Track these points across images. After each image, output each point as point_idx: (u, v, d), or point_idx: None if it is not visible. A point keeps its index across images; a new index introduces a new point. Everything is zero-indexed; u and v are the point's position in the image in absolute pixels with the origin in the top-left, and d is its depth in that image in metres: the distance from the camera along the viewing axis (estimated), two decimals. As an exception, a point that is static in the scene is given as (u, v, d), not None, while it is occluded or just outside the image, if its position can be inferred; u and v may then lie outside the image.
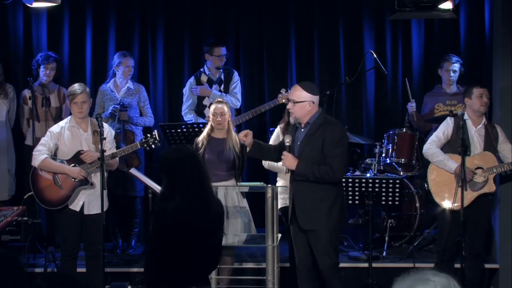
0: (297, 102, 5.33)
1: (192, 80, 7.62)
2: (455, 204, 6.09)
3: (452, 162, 6.17)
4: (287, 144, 5.33)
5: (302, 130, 5.41)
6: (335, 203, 5.36)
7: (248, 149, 5.55)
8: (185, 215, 4.04)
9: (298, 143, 5.38)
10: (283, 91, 7.10)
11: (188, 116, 7.57)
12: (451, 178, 6.20)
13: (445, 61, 7.39)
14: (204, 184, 4.12)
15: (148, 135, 6.22)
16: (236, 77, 7.63)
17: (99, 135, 5.94)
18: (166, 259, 4.09)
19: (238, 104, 7.61)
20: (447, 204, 6.20)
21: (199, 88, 7.53)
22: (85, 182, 6.01)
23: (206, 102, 7.52)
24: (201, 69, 7.65)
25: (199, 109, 7.57)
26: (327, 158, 5.28)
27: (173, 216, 4.06)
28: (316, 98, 5.38)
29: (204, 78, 7.60)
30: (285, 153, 5.31)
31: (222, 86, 7.57)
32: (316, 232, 5.35)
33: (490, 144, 6.23)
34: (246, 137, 5.45)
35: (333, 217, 5.34)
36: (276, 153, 5.56)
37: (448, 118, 6.36)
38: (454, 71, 7.38)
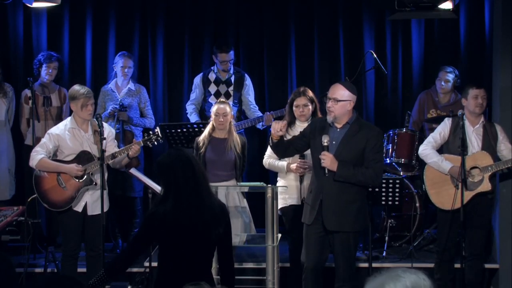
0: (339, 100, 5.25)
1: (200, 76, 7.64)
2: (453, 204, 6.09)
3: (446, 163, 6.17)
4: (326, 144, 5.21)
5: (338, 130, 5.32)
6: (362, 206, 5.37)
7: (274, 141, 5.35)
8: (174, 218, 4.05)
9: (334, 142, 5.30)
10: None
11: (189, 108, 7.61)
12: (447, 178, 6.20)
13: (440, 71, 7.51)
14: (198, 187, 4.10)
15: (150, 132, 6.25)
16: (247, 80, 7.62)
17: (99, 135, 5.96)
18: (165, 260, 4.13)
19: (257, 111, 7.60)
20: (443, 204, 6.20)
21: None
22: (90, 182, 6.01)
23: (212, 100, 7.52)
24: (212, 67, 7.66)
25: (203, 106, 7.61)
26: (369, 161, 5.25)
27: (162, 219, 4.07)
28: (355, 98, 5.33)
29: (212, 76, 7.61)
30: (325, 153, 5.20)
31: (231, 87, 7.57)
32: (342, 234, 5.31)
33: (488, 143, 6.22)
34: (283, 128, 5.29)
35: (360, 220, 5.34)
36: (290, 149, 5.51)
37: (446, 119, 6.37)
38: (446, 81, 7.43)
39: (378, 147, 5.31)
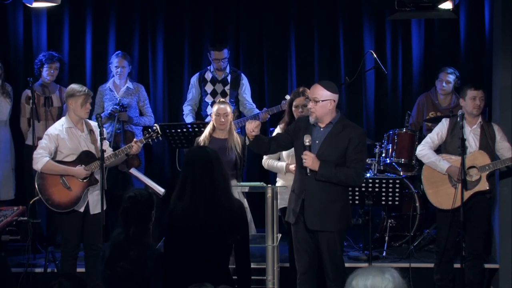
0: (319, 101, 5.22)
1: (196, 75, 7.66)
2: (450, 203, 6.09)
3: (443, 163, 6.17)
4: (307, 144, 5.19)
5: (322, 129, 5.29)
6: (345, 205, 5.35)
7: (249, 141, 5.35)
8: (190, 216, 4.09)
9: (317, 141, 5.28)
10: (287, 97, 7.06)
11: (185, 109, 7.62)
12: (445, 178, 6.21)
13: (441, 72, 7.49)
14: (214, 187, 4.12)
15: (150, 129, 6.25)
16: (244, 79, 7.63)
17: (95, 134, 5.98)
18: (178, 258, 4.17)
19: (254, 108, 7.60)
20: (441, 204, 6.20)
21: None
22: (94, 182, 6.00)
23: (208, 99, 7.52)
24: (208, 67, 7.67)
25: (200, 106, 7.61)
26: (351, 161, 5.22)
27: (179, 217, 4.13)
28: (337, 97, 5.29)
29: (208, 76, 7.63)
30: (307, 153, 5.18)
31: (228, 86, 7.57)
32: (327, 234, 5.29)
33: (486, 143, 6.22)
34: (256, 129, 5.25)
35: (343, 219, 5.32)
36: (273, 145, 5.49)
37: (444, 119, 6.37)
38: (448, 82, 7.43)
39: (360, 147, 5.27)
